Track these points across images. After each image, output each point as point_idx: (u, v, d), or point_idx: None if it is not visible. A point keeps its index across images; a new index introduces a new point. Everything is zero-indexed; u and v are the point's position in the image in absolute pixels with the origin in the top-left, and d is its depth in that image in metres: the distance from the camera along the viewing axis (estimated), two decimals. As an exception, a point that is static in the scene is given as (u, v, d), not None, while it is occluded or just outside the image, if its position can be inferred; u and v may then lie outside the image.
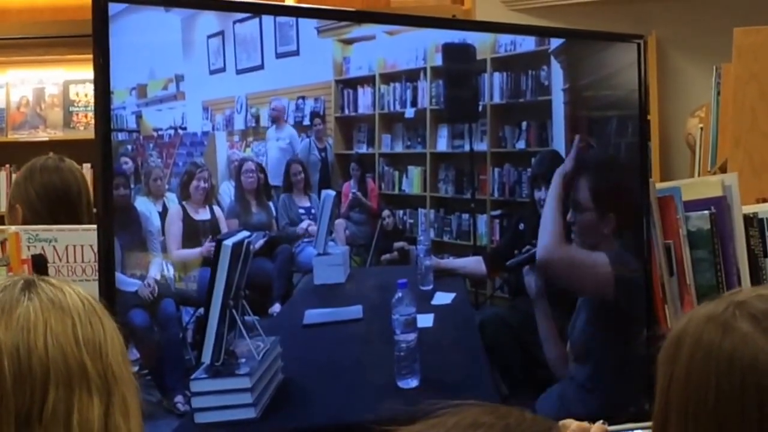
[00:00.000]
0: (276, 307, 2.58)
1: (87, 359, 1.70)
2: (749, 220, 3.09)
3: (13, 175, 6.31)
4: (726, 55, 4.25)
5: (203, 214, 2.50)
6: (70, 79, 6.94)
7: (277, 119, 2.58)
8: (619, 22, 6.15)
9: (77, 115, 6.92)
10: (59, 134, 6.88)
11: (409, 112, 2.75)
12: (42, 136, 6.88)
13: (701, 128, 5.31)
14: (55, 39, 6.69)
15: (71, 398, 1.67)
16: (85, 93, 6.84)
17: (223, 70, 2.50)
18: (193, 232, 2.48)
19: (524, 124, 2.85)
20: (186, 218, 2.47)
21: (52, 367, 1.67)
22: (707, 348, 1.74)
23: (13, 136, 6.90)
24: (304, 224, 2.64)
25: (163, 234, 2.44)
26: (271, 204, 2.60)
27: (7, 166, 6.78)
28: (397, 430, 1.17)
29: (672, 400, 1.77)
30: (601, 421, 2.43)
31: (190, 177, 2.49)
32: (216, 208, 2.52)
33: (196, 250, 2.47)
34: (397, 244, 2.72)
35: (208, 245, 2.47)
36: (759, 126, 4.00)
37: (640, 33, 3.06)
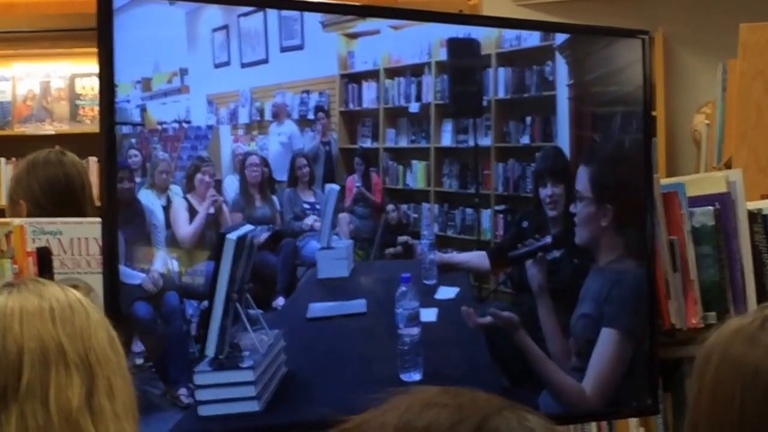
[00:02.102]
0: (280, 301, 2.59)
1: (64, 338, 1.73)
2: (754, 217, 3.10)
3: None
4: (732, 51, 4.24)
5: (207, 207, 2.51)
6: (76, 72, 6.96)
7: (277, 115, 2.59)
8: (626, 18, 6.12)
9: (83, 108, 6.93)
10: (65, 128, 6.89)
11: (414, 107, 2.76)
12: (48, 129, 6.89)
13: (707, 124, 5.31)
14: (61, 32, 6.70)
15: (47, 376, 1.71)
16: (91, 86, 6.85)
17: (227, 63, 2.51)
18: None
19: (528, 119, 2.85)
20: (190, 211, 2.48)
21: (26, 346, 1.71)
22: (733, 361, 1.77)
23: (19, 130, 6.91)
24: (309, 220, 2.64)
25: (167, 227, 2.44)
26: (275, 198, 2.61)
27: (14, 159, 6.79)
28: (351, 419, 1.18)
29: (701, 413, 1.81)
30: None
31: (195, 170, 2.49)
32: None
33: (201, 213, 2.48)
34: (401, 239, 2.72)
35: (210, 195, 2.48)
36: (764, 122, 3.99)
37: (647, 29, 3.06)
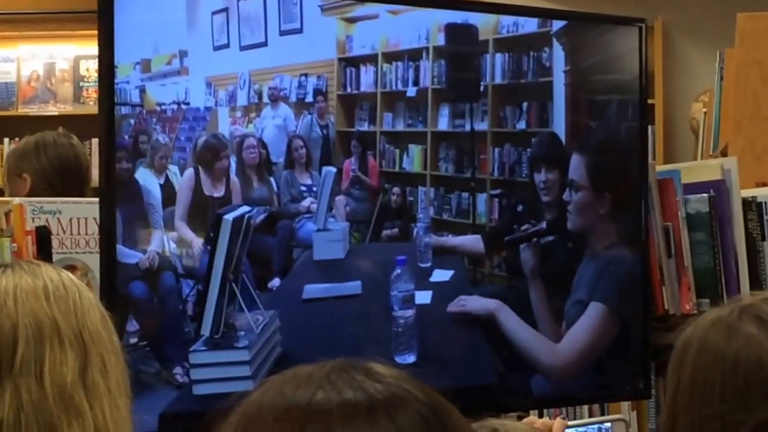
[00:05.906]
0: (276, 282, 2.61)
1: (58, 315, 1.76)
2: (748, 204, 3.11)
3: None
4: (730, 40, 4.25)
5: (219, 191, 2.53)
6: (80, 54, 6.96)
7: (273, 99, 2.60)
8: (625, 6, 6.11)
9: (87, 90, 6.94)
10: (69, 109, 6.90)
11: (411, 91, 2.77)
12: (52, 110, 6.90)
13: (704, 113, 5.32)
14: (66, 14, 6.71)
15: (42, 351, 1.73)
16: (95, 68, 6.85)
17: (226, 46, 2.52)
18: (202, 206, 2.51)
19: (525, 104, 2.87)
20: (196, 191, 2.50)
21: (21, 322, 1.73)
22: (712, 351, 1.75)
23: (23, 110, 6.92)
24: (305, 202, 2.66)
25: (165, 207, 2.46)
26: (272, 179, 2.63)
27: (17, 139, 6.79)
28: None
29: (679, 405, 1.78)
30: (563, 416, 2.44)
31: (209, 152, 2.52)
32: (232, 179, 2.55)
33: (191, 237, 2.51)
34: (397, 222, 2.74)
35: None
36: (761, 111, 3.99)
37: (646, 17, 3.07)
